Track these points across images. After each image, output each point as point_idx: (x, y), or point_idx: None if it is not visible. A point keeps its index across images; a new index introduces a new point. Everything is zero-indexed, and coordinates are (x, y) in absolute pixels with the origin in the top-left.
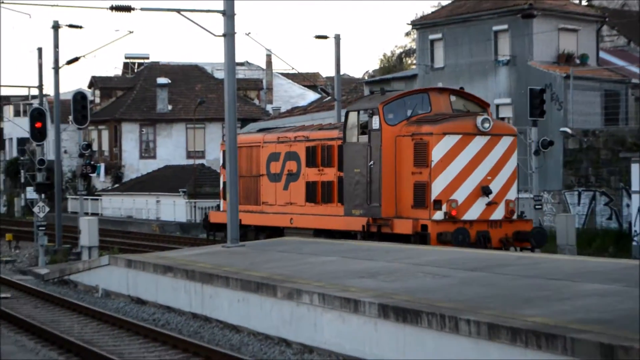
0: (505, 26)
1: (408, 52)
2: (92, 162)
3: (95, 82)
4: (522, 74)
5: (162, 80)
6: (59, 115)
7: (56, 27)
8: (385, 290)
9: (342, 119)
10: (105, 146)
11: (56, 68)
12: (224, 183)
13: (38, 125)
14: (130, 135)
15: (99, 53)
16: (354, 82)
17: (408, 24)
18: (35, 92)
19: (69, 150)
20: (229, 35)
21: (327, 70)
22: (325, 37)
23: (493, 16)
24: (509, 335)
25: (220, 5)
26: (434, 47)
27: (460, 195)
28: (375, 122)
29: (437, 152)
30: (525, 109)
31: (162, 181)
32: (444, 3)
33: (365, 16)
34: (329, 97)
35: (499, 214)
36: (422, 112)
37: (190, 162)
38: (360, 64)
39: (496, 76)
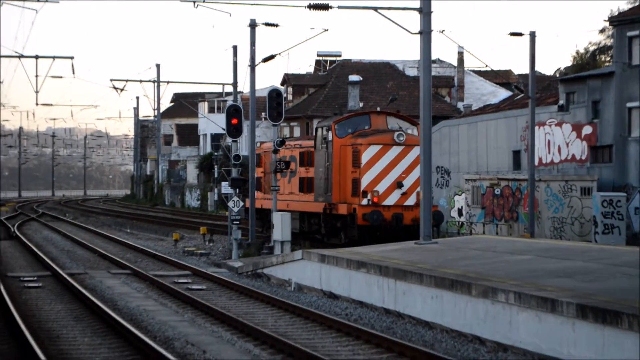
0: None
1: (602, 49)
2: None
3: (288, 79)
4: None
5: (353, 77)
6: (255, 112)
7: (253, 25)
8: (583, 290)
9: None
10: None
11: (252, 65)
12: (257, 179)
13: (234, 121)
14: None
15: (292, 50)
16: (546, 80)
17: (605, 20)
18: (228, 89)
19: None
20: (425, 33)
21: (519, 67)
22: (520, 34)
23: None
24: None
25: (416, 3)
26: (632, 44)
27: (381, 187)
28: (330, 136)
29: (365, 157)
30: None
31: None
32: None
33: (558, 13)
34: (521, 95)
35: (411, 201)
36: (362, 128)
37: None
38: (552, 60)
39: None
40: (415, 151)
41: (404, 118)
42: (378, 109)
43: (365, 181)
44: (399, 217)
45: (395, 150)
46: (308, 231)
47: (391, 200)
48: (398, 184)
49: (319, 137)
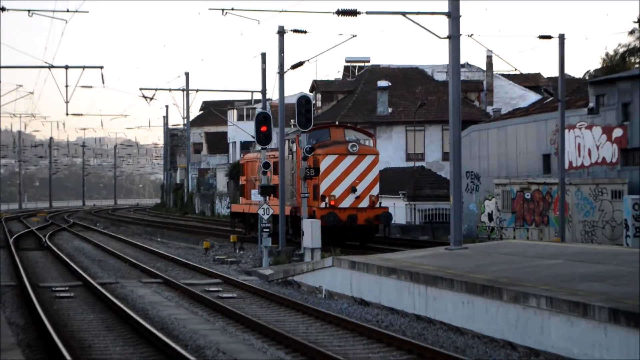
0: None
1: (632, 51)
2: (315, 165)
3: (316, 85)
4: None
5: (382, 83)
6: (284, 119)
7: (281, 32)
8: (615, 295)
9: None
10: None
11: (281, 72)
12: (241, 186)
13: (263, 129)
14: None
15: (320, 57)
16: (575, 83)
17: (634, 22)
18: (257, 96)
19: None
20: (454, 37)
21: (548, 70)
22: (549, 37)
23: None
24: None
25: (444, 7)
26: None
27: (337, 192)
28: (294, 147)
29: (323, 165)
30: None
31: (382, 183)
32: None
33: (586, 15)
34: (551, 98)
35: (364, 203)
36: (324, 140)
37: (410, 164)
38: (581, 63)
39: None
40: (368, 159)
41: (360, 130)
42: (337, 122)
43: (323, 187)
44: (353, 218)
45: (349, 159)
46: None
47: (346, 203)
48: (352, 189)
49: (287, 148)
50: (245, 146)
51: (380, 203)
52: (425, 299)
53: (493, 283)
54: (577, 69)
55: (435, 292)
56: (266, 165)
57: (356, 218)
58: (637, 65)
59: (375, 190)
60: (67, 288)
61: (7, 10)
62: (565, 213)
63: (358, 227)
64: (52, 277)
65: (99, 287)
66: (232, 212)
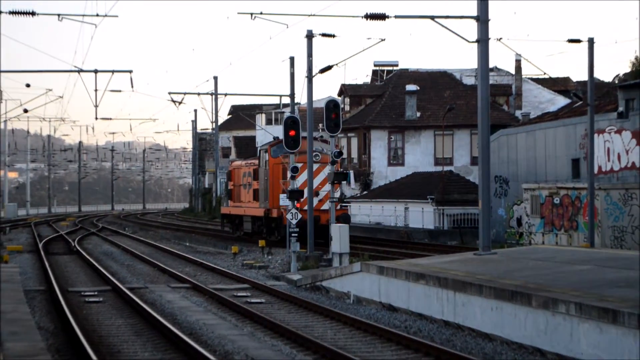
0: None
1: None
2: (342, 170)
3: (345, 90)
4: None
5: (411, 87)
6: (312, 123)
7: (310, 36)
8: None
9: None
10: (354, 153)
11: (309, 77)
12: (229, 190)
13: (292, 133)
14: (379, 143)
15: (348, 61)
16: (605, 87)
17: None
18: (285, 100)
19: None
20: (483, 41)
21: (577, 74)
22: (578, 41)
23: None
24: None
25: (473, 11)
26: None
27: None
28: (266, 156)
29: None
30: None
31: (410, 188)
32: None
33: (616, 19)
34: (580, 103)
35: (325, 206)
36: None
37: (438, 169)
38: (611, 67)
39: None
40: (329, 167)
41: (326, 142)
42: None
43: None
44: (316, 219)
45: (313, 167)
46: (258, 231)
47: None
48: (315, 193)
49: (262, 158)
50: None
51: (340, 206)
52: (453, 305)
53: (522, 289)
54: (606, 72)
55: (464, 297)
56: (294, 169)
57: (319, 219)
58: None
59: (336, 195)
60: (96, 293)
61: (37, 14)
62: (595, 218)
63: (321, 227)
64: (81, 281)
65: (127, 292)
66: (221, 214)
